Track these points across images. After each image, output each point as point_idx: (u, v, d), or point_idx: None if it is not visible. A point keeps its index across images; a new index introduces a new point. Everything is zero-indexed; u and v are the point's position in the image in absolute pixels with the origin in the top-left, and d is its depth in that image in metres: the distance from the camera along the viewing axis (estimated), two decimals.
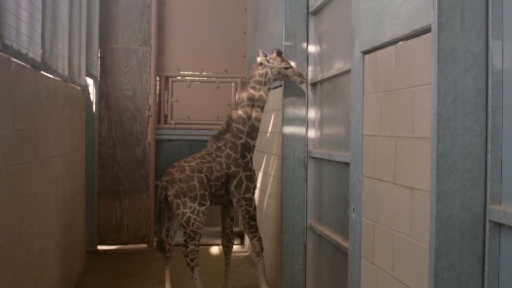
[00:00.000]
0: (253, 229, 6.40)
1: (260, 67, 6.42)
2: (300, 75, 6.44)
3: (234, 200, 6.30)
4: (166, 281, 6.34)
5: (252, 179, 6.34)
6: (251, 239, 6.44)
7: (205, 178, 6.03)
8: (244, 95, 6.39)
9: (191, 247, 5.94)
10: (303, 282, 6.74)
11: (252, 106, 6.38)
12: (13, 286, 4.40)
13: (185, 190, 5.91)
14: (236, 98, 6.49)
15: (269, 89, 6.48)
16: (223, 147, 6.29)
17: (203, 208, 5.96)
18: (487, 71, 3.02)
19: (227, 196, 6.32)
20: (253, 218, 6.36)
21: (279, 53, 6.43)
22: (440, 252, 3.04)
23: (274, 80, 6.48)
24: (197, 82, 10.14)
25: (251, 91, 6.39)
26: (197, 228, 5.93)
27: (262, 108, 6.46)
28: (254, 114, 6.39)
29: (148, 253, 9.20)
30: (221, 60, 10.11)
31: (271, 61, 6.39)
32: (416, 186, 3.32)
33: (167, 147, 9.95)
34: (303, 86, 6.64)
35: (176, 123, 9.96)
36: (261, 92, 6.39)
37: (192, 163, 6.10)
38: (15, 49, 4.40)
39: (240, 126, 6.36)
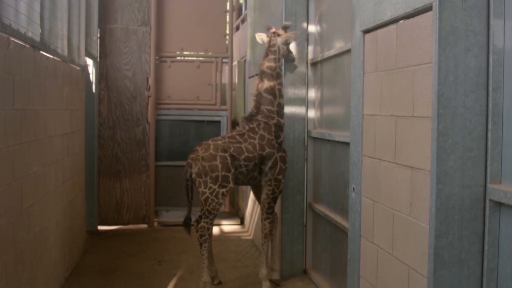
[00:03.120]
0: (270, 211, 6.33)
1: (271, 45, 6.37)
2: (291, 52, 6.58)
3: (265, 179, 6.21)
4: (206, 258, 6.16)
5: (285, 160, 6.28)
6: (264, 219, 6.35)
7: (229, 158, 5.94)
8: (265, 68, 6.35)
9: (202, 223, 5.97)
10: (303, 262, 6.77)
11: (274, 86, 6.34)
12: (14, 266, 4.42)
13: (206, 169, 5.87)
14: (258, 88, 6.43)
15: (280, 68, 6.44)
16: (256, 128, 6.22)
17: (223, 190, 5.92)
18: (488, 50, 3.01)
19: (260, 177, 6.25)
20: (275, 200, 6.32)
21: (285, 29, 6.45)
22: (440, 231, 3.05)
23: (283, 56, 6.49)
24: (177, 62, 10.03)
25: (269, 67, 6.36)
26: (212, 209, 5.93)
27: (282, 85, 6.42)
28: (277, 92, 6.35)
29: (149, 233, 9.23)
30: (201, 39, 10.02)
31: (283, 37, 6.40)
32: (416, 166, 3.32)
33: None
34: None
35: (157, 103, 9.86)
36: (278, 70, 6.38)
37: (219, 142, 6.04)
38: (14, 29, 4.38)
39: (269, 107, 6.31)
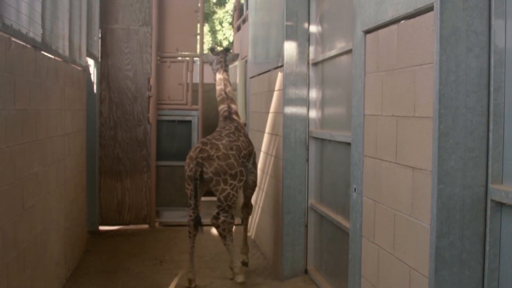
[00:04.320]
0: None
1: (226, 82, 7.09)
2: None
3: (251, 176, 6.85)
4: (190, 260, 6.34)
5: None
6: (251, 207, 7.17)
7: (236, 155, 6.25)
8: (228, 93, 7.03)
9: (222, 218, 6.15)
10: (304, 262, 6.77)
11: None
12: (15, 266, 4.42)
13: (225, 168, 6.08)
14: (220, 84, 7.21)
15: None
16: (239, 127, 6.70)
17: (241, 184, 6.25)
18: (490, 50, 3.00)
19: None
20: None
21: (227, 51, 7.29)
22: (441, 231, 3.05)
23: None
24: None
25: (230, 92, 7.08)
26: (232, 203, 6.19)
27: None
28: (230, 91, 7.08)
29: (150, 234, 9.23)
30: (172, 39, 9.98)
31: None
32: (418, 166, 3.32)
33: None
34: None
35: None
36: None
37: (223, 141, 6.28)
38: (15, 29, 4.38)
39: (235, 106, 6.99)
